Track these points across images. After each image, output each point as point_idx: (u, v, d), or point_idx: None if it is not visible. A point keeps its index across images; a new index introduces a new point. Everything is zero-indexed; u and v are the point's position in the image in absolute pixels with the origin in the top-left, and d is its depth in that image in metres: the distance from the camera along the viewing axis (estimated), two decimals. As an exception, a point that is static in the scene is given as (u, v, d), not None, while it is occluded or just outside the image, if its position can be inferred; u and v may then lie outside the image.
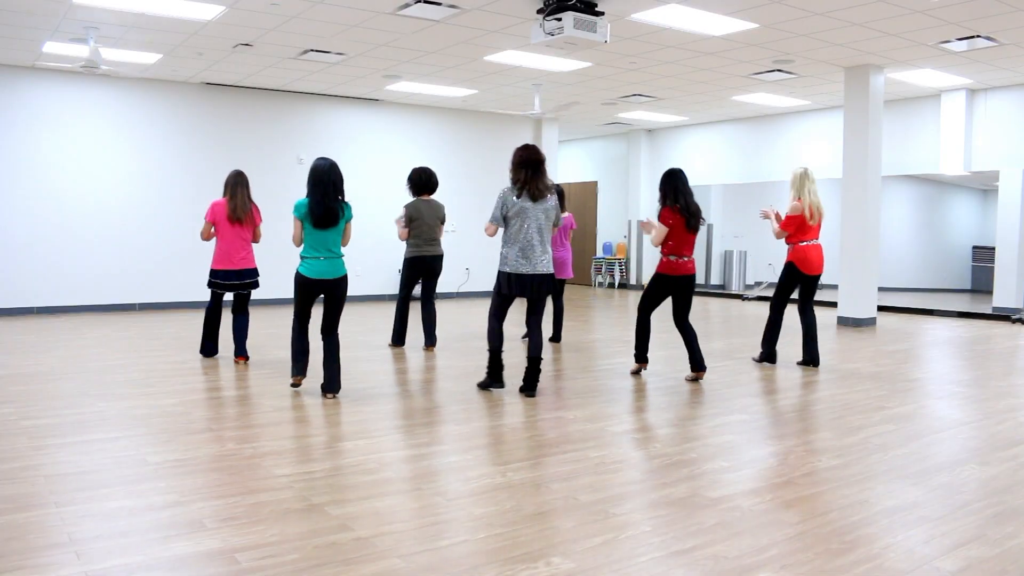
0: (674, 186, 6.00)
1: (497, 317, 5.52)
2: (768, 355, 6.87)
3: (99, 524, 3.02)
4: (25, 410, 4.87)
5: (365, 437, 4.36)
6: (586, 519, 3.13)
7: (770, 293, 13.35)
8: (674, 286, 5.99)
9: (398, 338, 7.48)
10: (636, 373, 6.29)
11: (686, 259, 5.95)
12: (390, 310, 11.19)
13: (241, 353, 6.63)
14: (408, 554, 2.78)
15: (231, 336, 6.70)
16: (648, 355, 6.30)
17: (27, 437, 4.25)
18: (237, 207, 6.39)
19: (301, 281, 5.31)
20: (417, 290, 7.50)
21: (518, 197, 5.29)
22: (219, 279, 6.49)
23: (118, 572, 2.62)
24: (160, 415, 4.80)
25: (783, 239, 6.65)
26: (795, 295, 6.82)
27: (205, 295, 11.22)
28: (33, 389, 5.50)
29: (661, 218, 5.96)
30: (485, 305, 11.96)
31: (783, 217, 6.61)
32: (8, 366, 6.40)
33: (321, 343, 5.40)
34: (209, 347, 6.83)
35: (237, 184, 6.44)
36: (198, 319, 9.74)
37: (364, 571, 2.65)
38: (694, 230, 5.95)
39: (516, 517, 3.16)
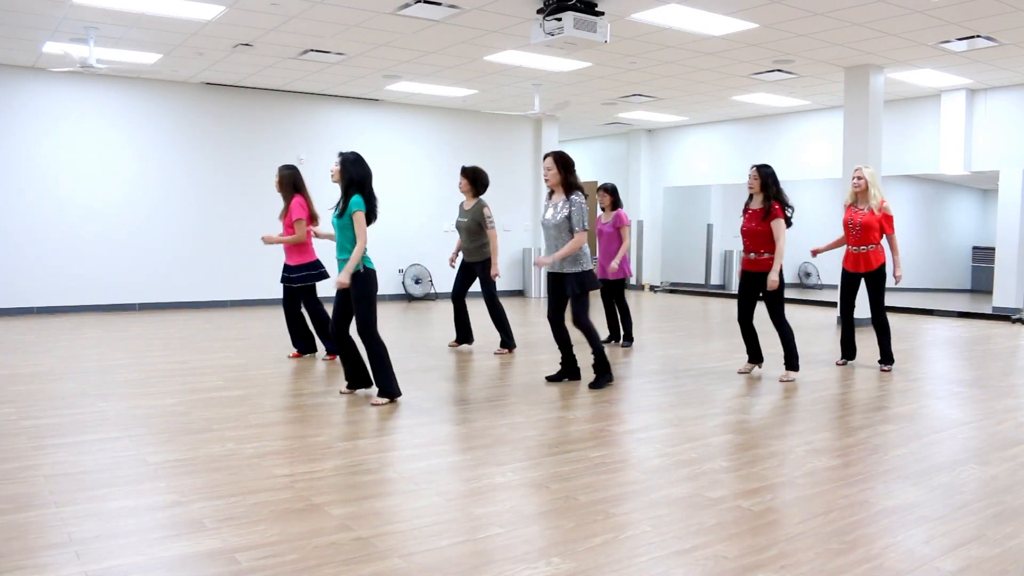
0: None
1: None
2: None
3: (99, 524, 3.02)
4: (25, 410, 4.87)
5: (365, 437, 4.36)
6: (586, 519, 3.13)
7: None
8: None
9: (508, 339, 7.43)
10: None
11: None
12: (390, 310, 11.19)
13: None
14: (408, 554, 2.78)
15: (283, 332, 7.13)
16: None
17: (27, 437, 4.25)
18: (311, 204, 6.70)
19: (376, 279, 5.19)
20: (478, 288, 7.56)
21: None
22: (320, 269, 6.67)
23: (118, 572, 2.62)
24: (160, 415, 4.80)
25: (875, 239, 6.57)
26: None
27: (205, 295, 11.33)
28: (33, 389, 5.50)
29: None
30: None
31: (891, 233, 6.58)
32: (8, 366, 6.40)
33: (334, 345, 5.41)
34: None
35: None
36: (198, 319, 9.75)
37: (364, 571, 2.65)
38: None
39: (516, 517, 3.16)
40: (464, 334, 7.51)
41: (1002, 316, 10.63)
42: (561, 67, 9.80)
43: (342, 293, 5.19)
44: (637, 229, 15.68)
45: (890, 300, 11.83)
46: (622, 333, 7.90)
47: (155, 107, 10.79)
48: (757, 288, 6.10)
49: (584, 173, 17.27)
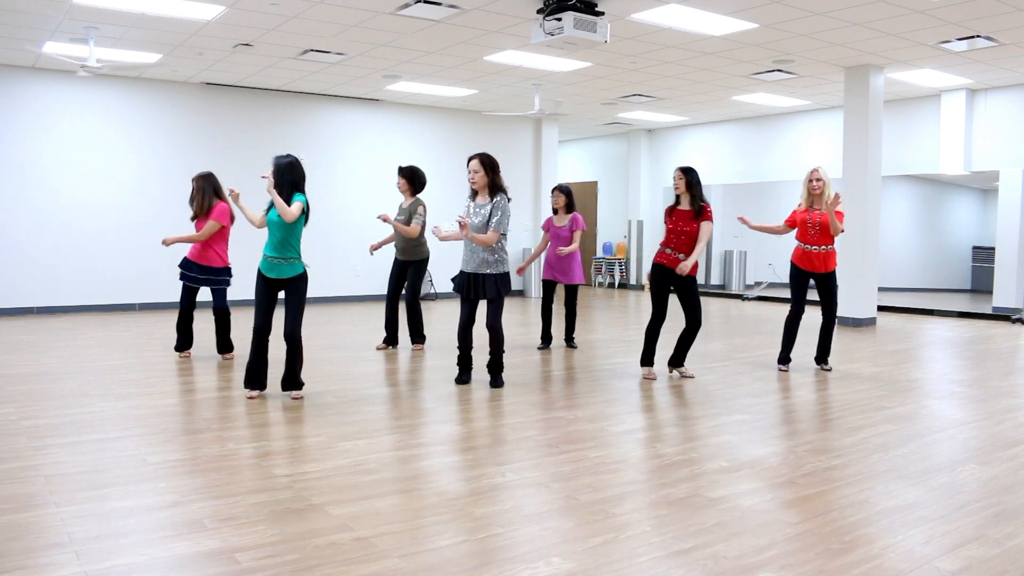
0: None
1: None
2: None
3: (99, 524, 3.02)
4: (25, 410, 4.87)
5: (365, 437, 4.36)
6: (586, 519, 3.13)
7: (769, 293, 13.40)
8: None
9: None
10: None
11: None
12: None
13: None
14: (408, 554, 2.78)
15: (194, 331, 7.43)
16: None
17: (27, 437, 4.25)
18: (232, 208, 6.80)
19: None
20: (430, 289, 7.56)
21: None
22: (230, 275, 6.93)
23: (118, 572, 2.62)
24: (160, 415, 4.80)
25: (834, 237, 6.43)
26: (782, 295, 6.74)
27: (205, 295, 11.28)
28: (33, 389, 5.50)
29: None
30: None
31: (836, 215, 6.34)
32: (8, 366, 6.40)
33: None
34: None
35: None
36: (198, 319, 9.72)
37: (364, 571, 2.65)
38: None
39: (516, 517, 3.16)
40: (392, 336, 7.54)
41: (1002, 316, 10.63)
42: (561, 67, 9.80)
43: (272, 294, 5.24)
44: (637, 229, 15.70)
45: (890, 300, 11.89)
46: (568, 336, 7.75)
47: (155, 107, 10.79)
48: (673, 283, 5.99)
49: (584, 173, 17.28)
